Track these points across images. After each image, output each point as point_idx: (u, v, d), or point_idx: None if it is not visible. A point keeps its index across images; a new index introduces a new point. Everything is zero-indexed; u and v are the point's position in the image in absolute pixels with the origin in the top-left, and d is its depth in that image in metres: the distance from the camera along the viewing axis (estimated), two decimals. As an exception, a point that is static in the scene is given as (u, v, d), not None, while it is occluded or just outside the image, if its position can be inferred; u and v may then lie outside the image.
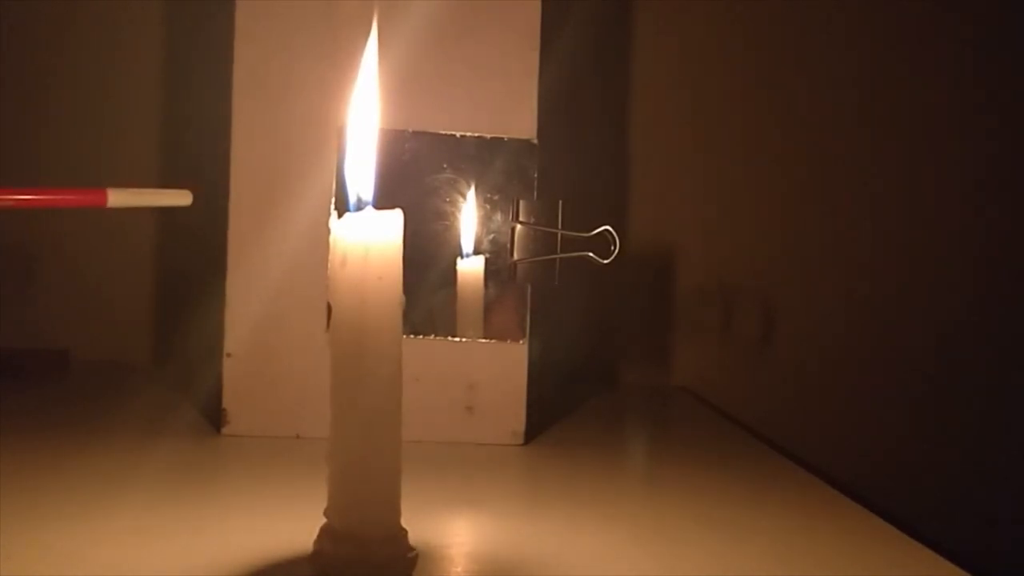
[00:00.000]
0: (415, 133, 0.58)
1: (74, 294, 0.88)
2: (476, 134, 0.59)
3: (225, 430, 0.58)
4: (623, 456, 0.63)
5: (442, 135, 0.58)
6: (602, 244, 0.54)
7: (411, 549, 0.34)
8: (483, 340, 0.59)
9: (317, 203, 0.58)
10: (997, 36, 0.97)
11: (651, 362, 0.94)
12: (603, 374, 0.94)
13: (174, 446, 0.57)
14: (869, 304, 0.95)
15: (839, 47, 0.96)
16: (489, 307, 0.59)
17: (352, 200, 0.34)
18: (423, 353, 0.59)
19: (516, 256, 0.56)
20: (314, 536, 0.33)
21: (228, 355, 0.59)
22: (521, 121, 0.60)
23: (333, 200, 0.58)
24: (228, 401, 0.58)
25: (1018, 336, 0.96)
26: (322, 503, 0.33)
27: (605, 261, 0.53)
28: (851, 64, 0.96)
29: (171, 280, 0.89)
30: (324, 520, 0.33)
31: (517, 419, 0.60)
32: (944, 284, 0.96)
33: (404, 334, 0.33)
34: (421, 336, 0.58)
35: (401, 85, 0.58)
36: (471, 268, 0.58)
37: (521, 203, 0.57)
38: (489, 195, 0.58)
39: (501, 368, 0.60)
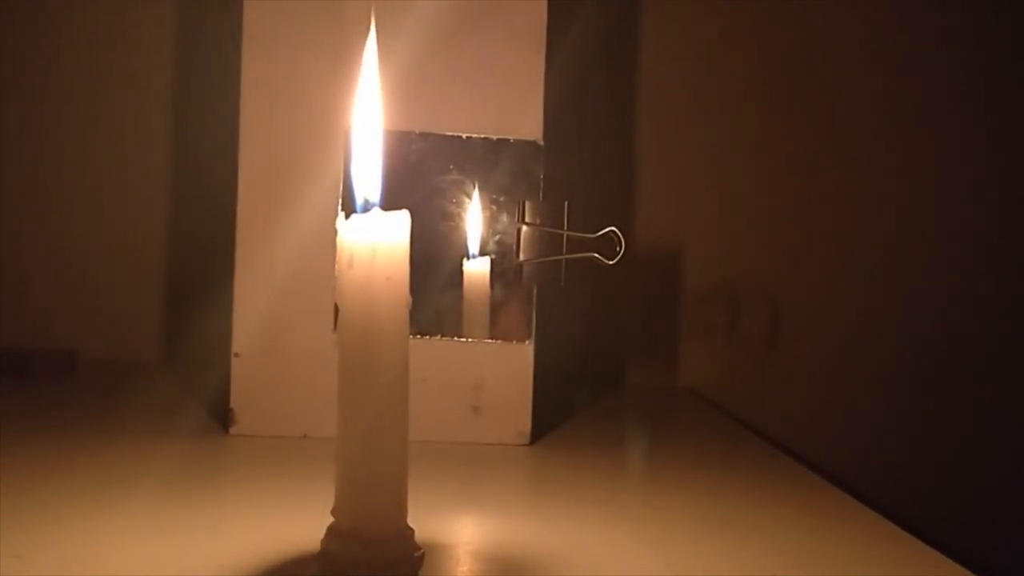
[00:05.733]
0: (421, 134, 0.58)
1: (82, 294, 0.88)
2: (482, 135, 0.59)
3: (232, 430, 0.59)
4: (629, 457, 0.63)
5: (448, 136, 0.59)
6: (608, 245, 0.54)
7: (417, 548, 0.34)
8: (489, 340, 0.60)
9: (324, 204, 0.58)
10: (1004, 37, 0.97)
11: (657, 363, 0.94)
12: (609, 375, 0.94)
13: (181, 446, 0.57)
14: (875, 305, 0.95)
15: (848, 49, 0.96)
16: (495, 308, 0.59)
17: (359, 201, 0.34)
18: (430, 353, 0.59)
19: (522, 257, 0.56)
20: (321, 535, 0.33)
21: (236, 355, 0.59)
22: (527, 122, 0.60)
23: (340, 201, 0.58)
24: (236, 401, 0.59)
25: (1025, 337, 0.96)
26: (329, 502, 0.33)
27: (611, 262, 0.53)
28: (859, 66, 0.96)
29: (179, 280, 0.90)
30: (331, 519, 0.33)
31: (523, 419, 0.60)
32: (951, 286, 0.96)
33: (411, 335, 0.34)
34: (428, 336, 0.59)
35: (407, 86, 0.58)
36: (477, 269, 0.58)
37: (527, 204, 0.57)
38: (495, 196, 0.59)
39: (507, 368, 0.60)
